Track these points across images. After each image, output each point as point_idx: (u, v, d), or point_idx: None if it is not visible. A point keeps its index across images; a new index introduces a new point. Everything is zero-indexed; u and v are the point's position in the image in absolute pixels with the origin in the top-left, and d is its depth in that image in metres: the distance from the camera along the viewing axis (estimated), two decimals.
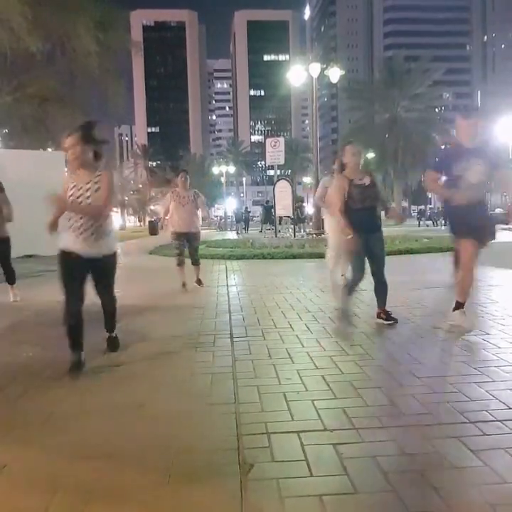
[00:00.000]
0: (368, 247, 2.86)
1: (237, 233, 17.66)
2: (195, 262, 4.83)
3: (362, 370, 2.18)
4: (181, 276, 4.71)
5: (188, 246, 4.74)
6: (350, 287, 2.95)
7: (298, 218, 13.74)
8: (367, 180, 2.89)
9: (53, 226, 2.30)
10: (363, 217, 2.84)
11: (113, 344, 2.63)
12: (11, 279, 4.32)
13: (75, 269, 2.27)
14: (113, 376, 2.23)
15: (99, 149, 2.32)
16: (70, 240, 2.27)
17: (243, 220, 21.53)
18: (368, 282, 4.87)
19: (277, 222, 11.75)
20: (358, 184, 2.88)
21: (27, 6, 10.59)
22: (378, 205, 2.95)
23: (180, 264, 4.70)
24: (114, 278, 2.52)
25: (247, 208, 26.25)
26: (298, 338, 2.77)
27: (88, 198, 2.25)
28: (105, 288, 2.47)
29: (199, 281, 4.86)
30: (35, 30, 11.07)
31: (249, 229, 21.47)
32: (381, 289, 3.02)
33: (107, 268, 2.43)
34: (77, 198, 2.25)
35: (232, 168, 40.90)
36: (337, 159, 3.13)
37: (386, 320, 2.99)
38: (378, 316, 3.04)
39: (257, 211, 32.76)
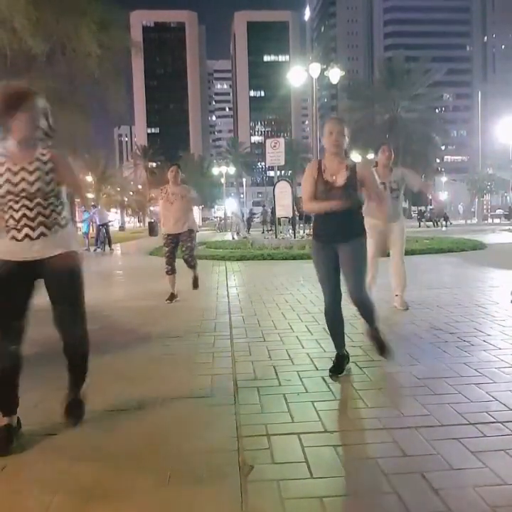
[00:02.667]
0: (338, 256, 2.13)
1: (238, 235, 17.67)
2: (191, 266, 4.22)
3: (362, 372, 2.18)
4: (171, 286, 4.14)
5: (181, 248, 4.11)
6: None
7: (300, 219, 13.73)
8: (341, 179, 2.06)
9: None
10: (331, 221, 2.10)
11: (76, 410, 1.65)
12: None
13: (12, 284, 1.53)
14: (112, 377, 2.23)
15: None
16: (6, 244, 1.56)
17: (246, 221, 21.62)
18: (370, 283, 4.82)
19: (277, 223, 11.76)
20: (327, 182, 2.10)
21: (31, 7, 10.61)
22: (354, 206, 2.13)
23: (171, 272, 4.12)
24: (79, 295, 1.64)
25: (251, 210, 26.23)
26: (298, 339, 2.77)
27: (33, 183, 1.56)
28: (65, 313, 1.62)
29: (196, 282, 4.29)
30: (37, 31, 11.09)
31: (251, 230, 21.47)
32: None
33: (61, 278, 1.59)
34: (16, 184, 1.55)
35: (232, 169, 40.88)
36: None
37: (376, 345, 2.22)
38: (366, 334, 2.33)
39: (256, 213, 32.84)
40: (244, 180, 57.20)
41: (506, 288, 4.35)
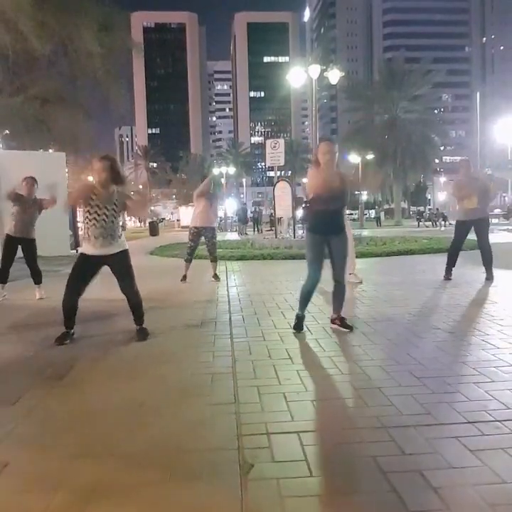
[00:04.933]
0: (329, 247, 2.83)
1: (240, 234, 17.70)
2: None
3: (361, 371, 2.19)
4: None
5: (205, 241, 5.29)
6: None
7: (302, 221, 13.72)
8: (336, 182, 2.75)
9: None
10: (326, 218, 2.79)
11: (141, 334, 2.90)
12: (36, 279, 4.43)
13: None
14: (113, 375, 2.23)
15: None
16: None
17: (254, 220, 21.62)
18: (368, 282, 4.83)
19: (277, 223, 11.76)
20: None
21: (35, 8, 10.64)
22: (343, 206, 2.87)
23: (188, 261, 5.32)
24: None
25: (257, 208, 26.26)
26: (298, 339, 2.77)
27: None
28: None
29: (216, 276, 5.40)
30: (40, 32, 11.11)
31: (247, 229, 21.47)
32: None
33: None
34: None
35: (232, 170, 40.91)
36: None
37: (341, 326, 2.88)
38: (333, 322, 2.94)
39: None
40: (244, 180, 57.20)
41: (504, 287, 4.36)
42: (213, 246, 5.29)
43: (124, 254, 2.86)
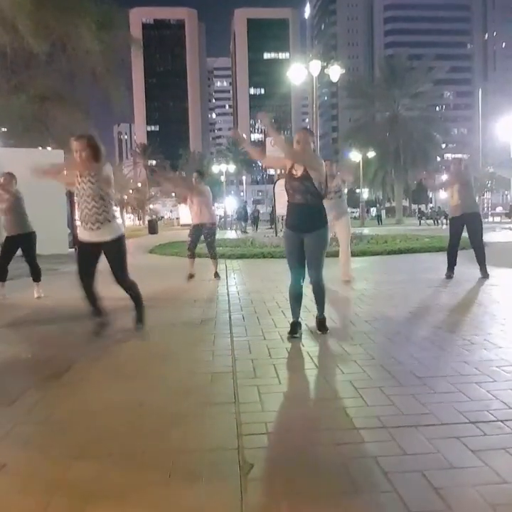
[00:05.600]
0: (303, 245, 2.63)
1: (242, 232, 17.66)
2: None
3: (362, 370, 2.18)
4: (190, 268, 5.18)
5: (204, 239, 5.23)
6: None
7: None
8: (299, 171, 2.54)
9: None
10: (297, 213, 2.59)
11: (139, 321, 2.90)
12: (35, 276, 4.37)
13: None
14: (112, 375, 2.23)
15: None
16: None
17: (252, 219, 21.56)
18: (369, 281, 4.82)
19: (278, 221, 11.73)
20: (291, 174, 2.60)
21: (33, 6, 10.57)
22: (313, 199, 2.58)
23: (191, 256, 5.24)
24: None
25: (256, 207, 26.22)
26: (298, 338, 2.76)
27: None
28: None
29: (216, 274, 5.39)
30: (38, 30, 11.05)
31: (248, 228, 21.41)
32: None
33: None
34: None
35: (232, 167, 40.82)
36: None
37: (317, 329, 2.77)
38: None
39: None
40: (244, 178, 57.11)
41: (506, 286, 4.35)
42: (211, 243, 5.23)
43: (116, 242, 2.67)
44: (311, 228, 2.58)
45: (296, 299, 2.76)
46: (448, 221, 20.96)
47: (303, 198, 2.56)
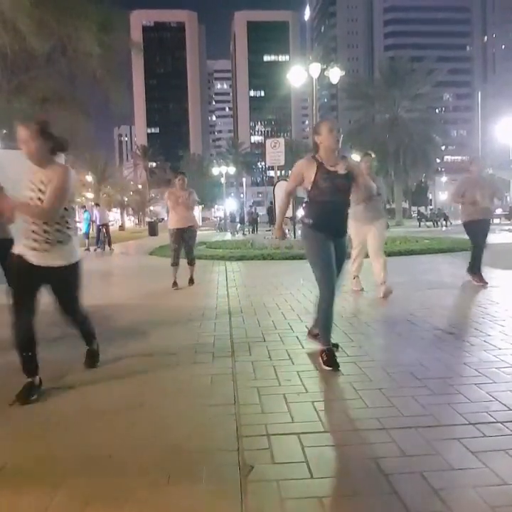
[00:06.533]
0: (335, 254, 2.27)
1: (236, 234, 17.56)
2: (191, 262, 5.00)
3: (362, 372, 2.18)
4: (174, 275, 4.84)
5: (184, 244, 4.86)
6: (326, 309, 2.24)
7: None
8: (341, 168, 2.24)
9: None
10: (331, 213, 2.25)
11: (91, 355, 2.30)
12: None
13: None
14: (113, 376, 2.23)
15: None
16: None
17: (249, 220, 21.39)
18: (369, 283, 4.85)
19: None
20: (329, 171, 2.24)
21: (34, 7, 10.62)
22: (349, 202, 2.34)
23: (175, 264, 4.85)
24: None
25: (252, 206, 25.93)
26: (298, 339, 2.76)
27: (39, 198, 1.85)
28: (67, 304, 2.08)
29: (191, 281, 5.00)
30: (39, 32, 11.10)
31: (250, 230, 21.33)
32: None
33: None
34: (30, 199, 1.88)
35: (232, 169, 40.88)
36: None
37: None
38: (312, 338, 2.47)
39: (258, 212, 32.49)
40: (244, 180, 57.22)
41: (506, 288, 4.35)
42: (191, 248, 4.92)
43: (70, 270, 1.97)
44: (343, 233, 2.35)
45: (332, 314, 2.27)
46: (448, 223, 20.74)
47: (345, 198, 2.29)
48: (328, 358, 2.21)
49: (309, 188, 2.28)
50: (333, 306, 2.25)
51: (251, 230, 20.83)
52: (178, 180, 4.90)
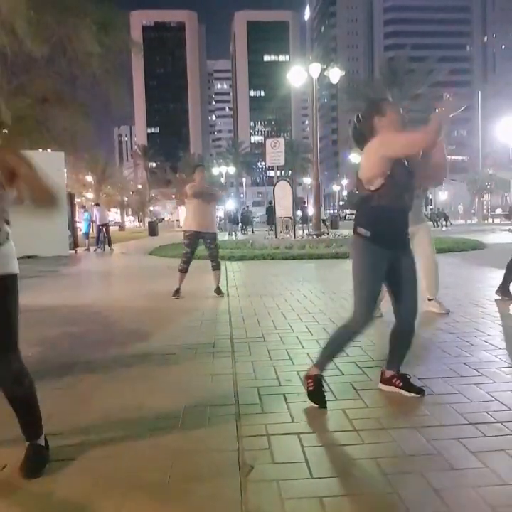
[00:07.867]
0: (395, 269, 1.74)
1: (232, 234, 17.46)
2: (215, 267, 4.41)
3: (362, 372, 2.18)
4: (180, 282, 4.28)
5: (206, 250, 4.35)
6: (351, 336, 1.80)
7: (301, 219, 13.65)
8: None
9: None
10: (399, 216, 1.71)
11: (33, 459, 1.35)
12: None
13: None
14: (112, 376, 2.23)
15: None
16: None
17: (242, 220, 21.32)
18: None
19: (277, 223, 11.77)
20: (403, 163, 1.69)
21: (31, 9, 10.61)
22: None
23: (183, 270, 4.28)
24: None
25: (247, 206, 25.73)
26: (298, 340, 2.76)
27: None
28: None
29: (219, 290, 4.39)
30: (37, 33, 11.09)
31: (253, 230, 21.21)
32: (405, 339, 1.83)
33: None
34: None
35: (232, 169, 40.94)
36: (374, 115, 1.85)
37: (404, 389, 1.84)
38: (387, 382, 1.89)
39: (257, 212, 32.44)
40: (244, 180, 57.27)
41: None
42: (215, 252, 4.35)
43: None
44: (407, 243, 1.78)
45: (348, 345, 1.86)
46: (448, 223, 20.78)
47: (410, 200, 1.73)
48: (313, 386, 1.78)
49: (376, 187, 1.67)
50: (356, 336, 1.82)
51: (244, 229, 20.70)
52: (197, 173, 4.27)
